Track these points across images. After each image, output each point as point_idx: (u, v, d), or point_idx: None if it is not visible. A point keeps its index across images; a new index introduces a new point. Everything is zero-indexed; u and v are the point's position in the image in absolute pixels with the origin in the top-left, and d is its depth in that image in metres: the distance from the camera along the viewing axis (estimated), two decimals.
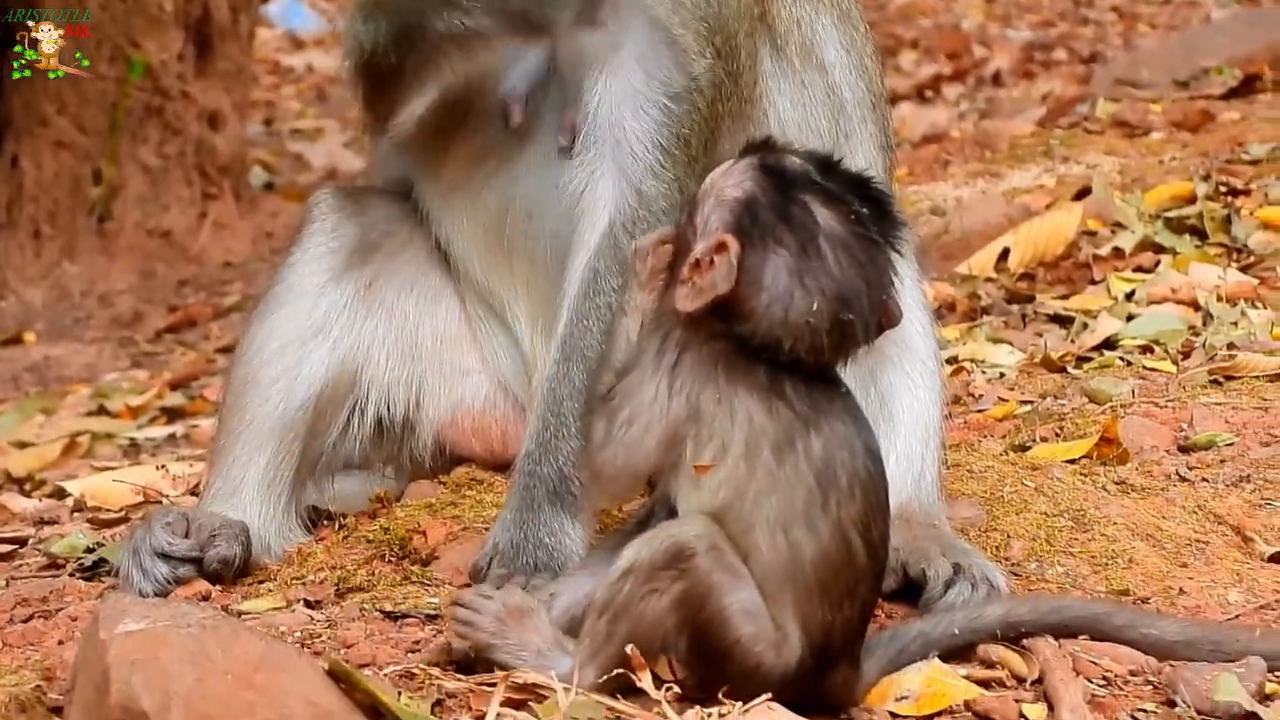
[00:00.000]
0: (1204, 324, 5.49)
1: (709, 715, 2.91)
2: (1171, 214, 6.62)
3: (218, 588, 3.75)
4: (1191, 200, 6.74)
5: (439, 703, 3.01)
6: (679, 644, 3.00)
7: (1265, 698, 3.19)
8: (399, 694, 2.95)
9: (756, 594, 2.98)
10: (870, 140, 4.09)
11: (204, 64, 10.29)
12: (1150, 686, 3.26)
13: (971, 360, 5.48)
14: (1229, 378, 4.83)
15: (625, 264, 3.39)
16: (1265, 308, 5.59)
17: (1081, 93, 10.54)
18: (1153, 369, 5.08)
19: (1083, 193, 7.04)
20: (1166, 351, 5.25)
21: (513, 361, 4.10)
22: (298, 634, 3.36)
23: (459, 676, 3.10)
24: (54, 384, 8.49)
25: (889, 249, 3.08)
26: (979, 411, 4.82)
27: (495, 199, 3.96)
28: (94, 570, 4.05)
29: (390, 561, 3.75)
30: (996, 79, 13.31)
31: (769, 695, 2.94)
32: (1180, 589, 3.67)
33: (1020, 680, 3.26)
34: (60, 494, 5.29)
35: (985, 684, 3.23)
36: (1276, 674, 3.28)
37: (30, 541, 4.45)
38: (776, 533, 2.98)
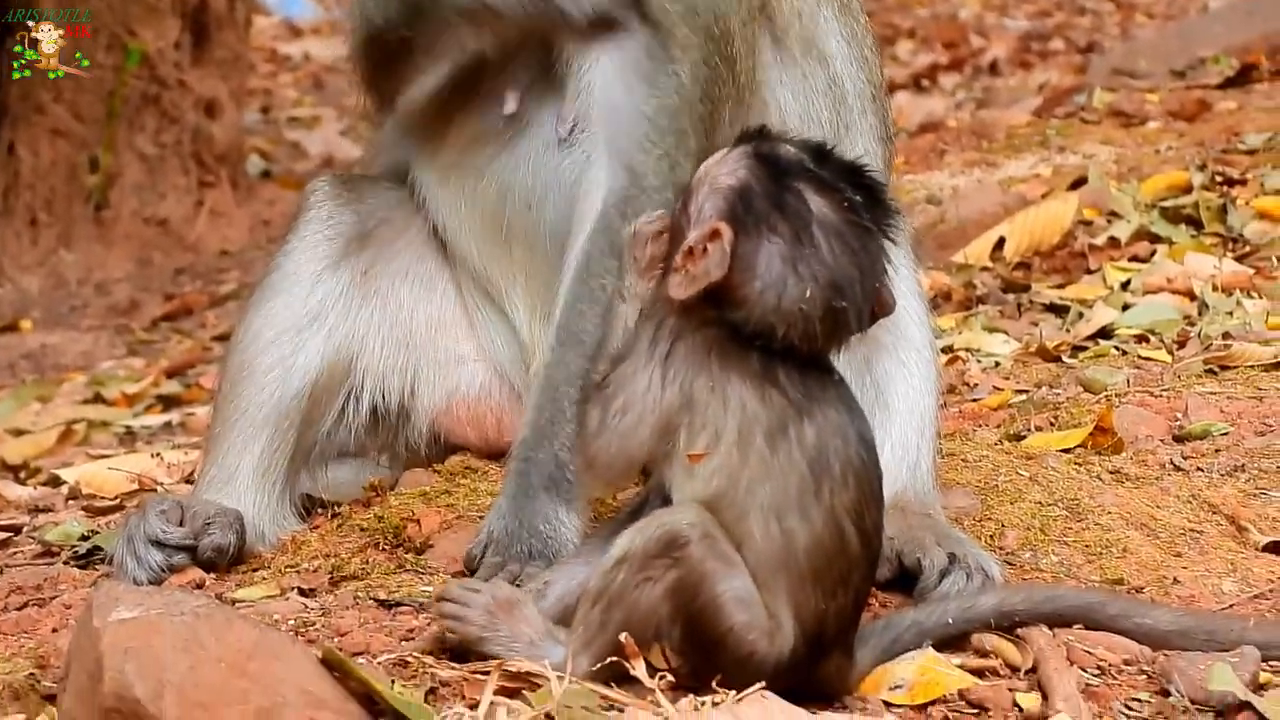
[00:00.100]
0: (1199, 313, 5.49)
1: (702, 704, 2.89)
2: (1167, 203, 6.63)
3: (212, 575, 3.75)
4: (1187, 190, 6.75)
5: (432, 691, 3.01)
6: (672, 632, 2.99)
7: (1259, 687, 3.18)
8: (393, 682, 2.94)
9: (750, 582, 2.97)
10: (870, 132, 4.09)
11: (201, 52, 10.29)
12: (1144, 676, 3.25)
13: (967, 349, 5.48)
14: (1224, 367, 4.83)
15: (619, 246, 3.37)
16: (1260, 297, 5.59)
17: (1078, 82, 10.56)
18: (1148, 358, 5.07)
19: (1079, 182, 7.04)
20: (1162, 341, 5.25)
21: (509, 349, 4.09)
22: (291, 622, 3.35)
23: (453, 665, 3.09)
24: (50, 371, 8.49)
25: (882, 237, 3.08)
26: (974, 400, 4.83)
27: (494, 187, 3.96)
28: (88, 558, 4.05)
29: (384, 550, 3.74)
30: (993, 68, 13.32)
31: (762, 684, 2.93)
32: (1174, 578, 3.66)
33: (1014, 669, 3.25)
34: (55, 481, 5.29)
35: (979, 673, 3.23)
36: (1270, 663, 3.27)
37: (25, 529, 4.46)
38: (770, 521, 2.97)
